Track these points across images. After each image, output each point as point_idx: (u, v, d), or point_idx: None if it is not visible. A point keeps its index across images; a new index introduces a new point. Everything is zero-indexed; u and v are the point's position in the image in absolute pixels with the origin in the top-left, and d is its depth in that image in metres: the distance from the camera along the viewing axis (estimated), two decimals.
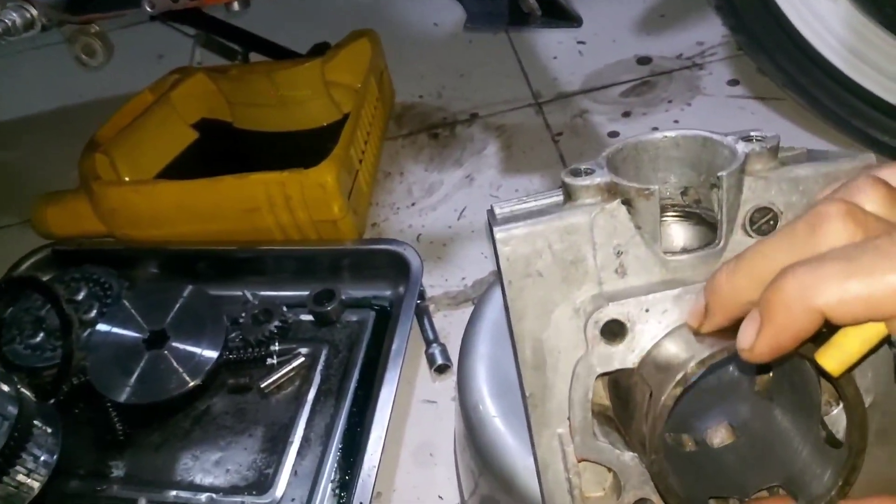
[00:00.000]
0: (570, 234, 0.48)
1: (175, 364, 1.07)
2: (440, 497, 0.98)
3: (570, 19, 1.69)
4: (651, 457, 0.45)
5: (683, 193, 0.54)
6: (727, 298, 0.42)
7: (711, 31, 1.59)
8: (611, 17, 1.68)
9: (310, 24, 1.80)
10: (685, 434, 0.55)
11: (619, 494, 0.51)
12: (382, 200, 1.39)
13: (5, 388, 0.96)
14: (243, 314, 1.14)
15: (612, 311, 0.47)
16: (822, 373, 0.39)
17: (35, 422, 0.97)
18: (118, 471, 1.03)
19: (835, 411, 0.47)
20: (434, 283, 1.23)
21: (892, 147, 1.16)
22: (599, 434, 0.50)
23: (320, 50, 1.50)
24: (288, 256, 1.23)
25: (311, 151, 1.22)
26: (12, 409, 0.94)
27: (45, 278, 1.23)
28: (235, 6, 1.25)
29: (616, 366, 0.48)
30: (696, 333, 0.45)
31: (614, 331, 0.47)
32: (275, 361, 1.10)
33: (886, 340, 0.38)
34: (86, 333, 1.14)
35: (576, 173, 0.50)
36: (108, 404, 1.07)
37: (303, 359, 1.10)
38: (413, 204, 1.38)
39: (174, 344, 1.09)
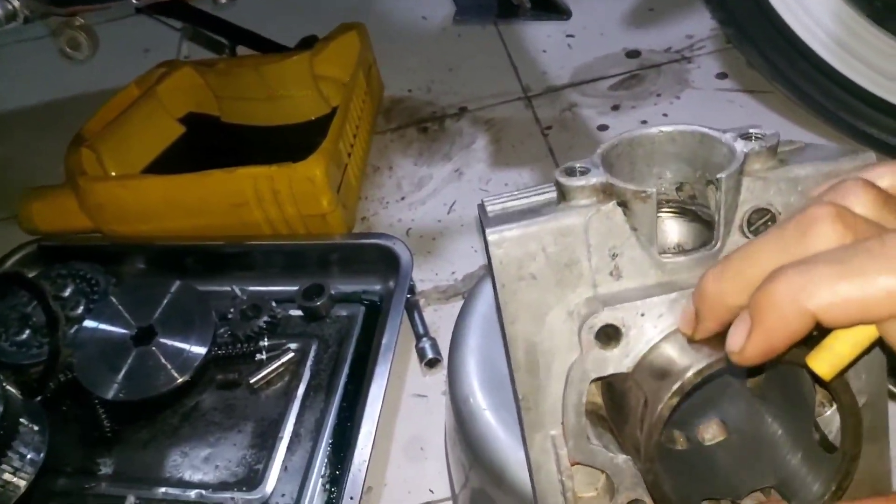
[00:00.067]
0: (564, 237, 0.47)
1: (163, 360, 1.07)
2: (431, 491, 0.98)
3: (559, 12, 1.70)
4: (646, 465, 0.44)
5: (678, 189, 0.53)
6: (715, 303, 0.41)
7: (700, 24, 1.59)
8: (600, 10, 1.68)
9: (298, 17, 1.79)
10: (676, 430, 0.55)
11: (612, 495, 0.51)
12: (372, 195, 1.39)
13: None
14: (232, 309, 1.13)
15: (606, 316, 0.46)
16: (814, 377, 0.39)
17: (21, 419, 0.96)
18: (106, 468, 1.03)
19: (828, 412, 0.46)
20: (424, 277, 1.23)
21: (880, 140, 1.17)
22: (592, 435, 0.50)
23: (308, 43, 1.49)
24: (277, 251, 1.22)
25: (299, 145, 1.21)
26: None
27: (31, 274, 1.22)
28: None
29: (611, 370, 0.47)
30: (691, 341, 0.44)
31: (609, 335, 0.47)
32: (264, 357, 1.09)
33: (878, 343, 0.38)
34: (73, 330, 1.13)
35: (570, 172, 0.49)
36: (96, 401, 1.06)
37: (292, 354, 1.09)
38: (402, 198, 1.37)
39: (162, 340, 1.08)
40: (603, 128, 1.43)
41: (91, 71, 1.55)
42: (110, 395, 1.05)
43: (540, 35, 1.67)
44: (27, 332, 1.14)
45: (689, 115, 1.41)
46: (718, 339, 0.42)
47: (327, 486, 0.96)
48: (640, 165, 0.53)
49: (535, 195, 0.52)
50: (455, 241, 1.28)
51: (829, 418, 0.46)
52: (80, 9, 1.22)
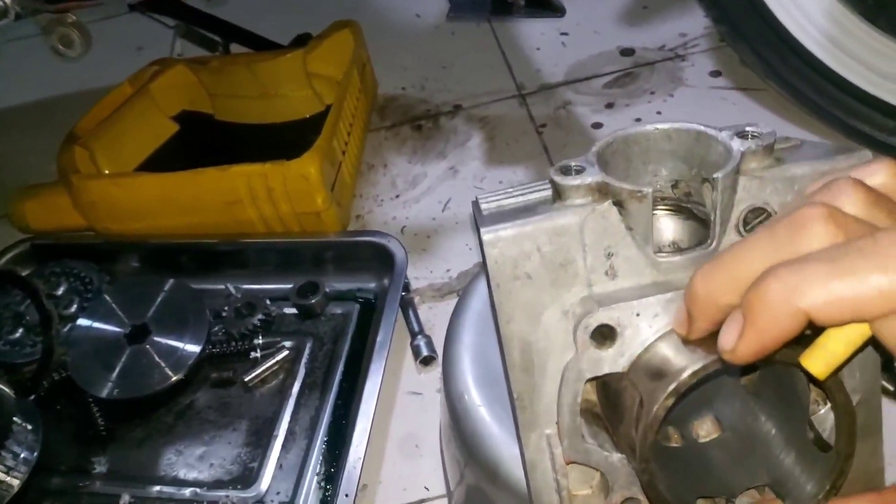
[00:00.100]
0: (559, 236, 0.47)
1: (157, 358, 1.06)
2: (426, 488, 0.98)
3: (553, 9, 1.70)
4: (641, 465, 0.44)
5: (674, 186, 0.53)
6: (706, 303, 0.41)
7: (694, 22, 1.59)
8: (594, 7, 1.68)
9: (291, 15, 1.79)
10: (671, 427, 0.55)
11: (607, 494, 0.51)
12: (366, 192, 1.39)
13: None
14: (226, 308, 1.13)
15: (602, 316, 0.46)
16: (809, 376, 0.39)
17: (14, 418, 0.96)
18: (100, 467, 1.02)
19: (822, 410, 0.46)
20: (419, 274, 1.23)
21: (873, 137, 1.17)
22: (587, 434, 0.50)
23: (302, 41, 1.49)
24: (271, 249, 1.22)
25: (293, 143, 1.21)
26: None
27: (24, 273, 1.22)
28: None
29: (606, 370, 0.47)
30: (686, 341, 0.44)
31: (604, 335, 0.46)
32: (258, 355, 1.09)
33: (870, 341, 0.38)
34: (66, 328, 1.12)
35: (565, 171, 0.48)
36: (90, 400, 1.06)
37: (287, 352, 1.09)
38: (397, 196, 1.37)
39: (156, 338, 1.08)
40: (597, 126, 1.43)
41: (84, 69, 1.54)
42: (104, 393, 1.04)
43: (534, 33, 1.67)
44: (20, 330, 1.14)
45: (683, 112, 1.42)
46: (714, 339, 0.42)
47: (322, 484, 0.96)
48: (635, 163, 0.53)
49: (529, 192, 0.52)
50: (449, 238, 1.28)
51: (823, 417, 0.46)
52: (71, 5, 1.22)
